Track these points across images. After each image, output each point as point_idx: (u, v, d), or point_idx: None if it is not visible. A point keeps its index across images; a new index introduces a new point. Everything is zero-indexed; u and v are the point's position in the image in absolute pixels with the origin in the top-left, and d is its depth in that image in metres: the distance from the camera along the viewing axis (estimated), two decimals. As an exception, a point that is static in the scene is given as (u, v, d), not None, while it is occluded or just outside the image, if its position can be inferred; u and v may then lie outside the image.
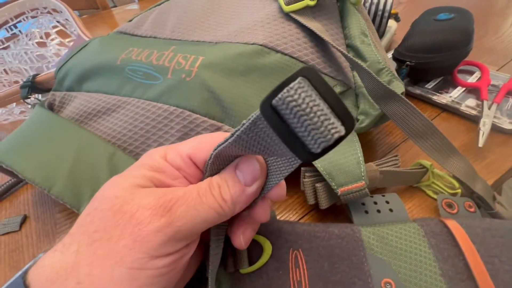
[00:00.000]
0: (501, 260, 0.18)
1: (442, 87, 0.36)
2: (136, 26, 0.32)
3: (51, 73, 0.34)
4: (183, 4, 0.32)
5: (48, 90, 0.35)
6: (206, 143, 0.15)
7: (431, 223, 0.20)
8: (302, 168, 0.23)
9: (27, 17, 0.52)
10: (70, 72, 0.31)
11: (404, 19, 0.54)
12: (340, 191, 0.21)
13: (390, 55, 0.43)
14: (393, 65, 0.29)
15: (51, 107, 0.32)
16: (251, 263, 0.19)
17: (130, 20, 0.34)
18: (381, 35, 0.44)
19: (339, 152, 0.22)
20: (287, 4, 0.25)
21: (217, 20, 0.29)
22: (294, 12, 0.25)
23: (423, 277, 0.18)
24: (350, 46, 0.27)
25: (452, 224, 0.20)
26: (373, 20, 0.41)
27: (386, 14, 0.40)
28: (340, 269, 0.19)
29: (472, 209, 0.22)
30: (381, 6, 0.40)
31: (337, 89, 0.25)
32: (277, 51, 0.24)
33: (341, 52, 0.23)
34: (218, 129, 0.24)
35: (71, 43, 0.45)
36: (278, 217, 0.27)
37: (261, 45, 0.24)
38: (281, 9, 0.26)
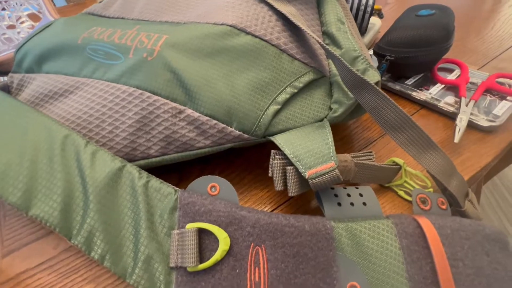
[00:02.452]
0: (464, 264, 0.18)
1: (422, 84, 0.36)
2: (104, 7, 0.31)
3: (10, 54, 0.31)
4: (155, -14, 0.30)
5: (8, 73, 0.32)
6: None
7: (405, 222, 0.19)
8: (272, 151, 0.22)
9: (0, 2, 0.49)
10: (29, 52, 0.29)
11: (390, 19, 0.54)
12: (308, 173, 0.19)
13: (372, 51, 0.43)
14: (369, 56, 0.28)
15: (8, 90, 0.30)
16: (202, 259, 0.17)
17: (101, 1, 0.33)
18: (364, 31, 0.43)
19: (308, 138, 0.21)
20: (260, -15, 0.24)
21: (188, 2, 0.27)
22: (267, -6, 0.24)
23: (390, 280, 0.17)
24: (326, 33, 0.26)
25: (425, 223, 0.19)
26: (356, 15, 0.41)
27: (368, 9, 0.39)
28: (305, 270, 0.17)
29: (444, 206, 0.21)
30: (363, 1, 0.39)
31: (310, 76, 0.24)
32: (247, 33, 0.23)
33: (314, 38, 0.22)
34: (180, 112, 0.22)
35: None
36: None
37: (230, 25, 0.23)
38: (254, -8, 0.25)
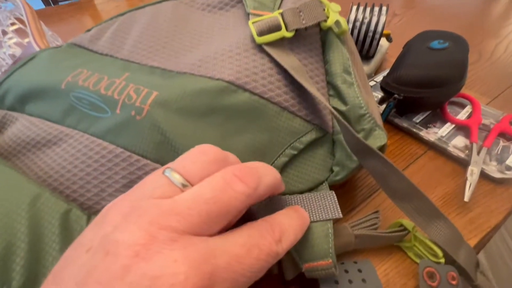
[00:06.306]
0: None
1: (431, 121, 0.34)
2: (92, 40, 0.28)
3: (-8, 87, 0.29)
4: (148, 17, 0.28)
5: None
6: None
7: None
8: None
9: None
10: (11, 89, 0.27)
11: (398, 33, 0.51)
12: (304, 267, 0.18)
13: (381, 76, 0.40)
14: (377, 109, 0.26)
15: (-9, 126, 0.28)
16: None
17: (89, 30, 0.30)
18: (371, 55, 0.41)
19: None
20: (260, 34, 0.22)
21: (183, 42, 0.25)
22: (268, 44, 0.22)
23: None
24: (331, 84, 0.24)
25: None
26: (364, 40, 0.38)
27: (377, 36, 0.37)
28: None
29: (454, 282, 0.20)
30: (372, 27, 0.37)
31: (312, 135, 0.22)
32: (245, 90, 0.21)
33: (317, 98, 0.20)
34: (171, 179, 0.20)
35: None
36: None
37: (227, 81, 0.21)
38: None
